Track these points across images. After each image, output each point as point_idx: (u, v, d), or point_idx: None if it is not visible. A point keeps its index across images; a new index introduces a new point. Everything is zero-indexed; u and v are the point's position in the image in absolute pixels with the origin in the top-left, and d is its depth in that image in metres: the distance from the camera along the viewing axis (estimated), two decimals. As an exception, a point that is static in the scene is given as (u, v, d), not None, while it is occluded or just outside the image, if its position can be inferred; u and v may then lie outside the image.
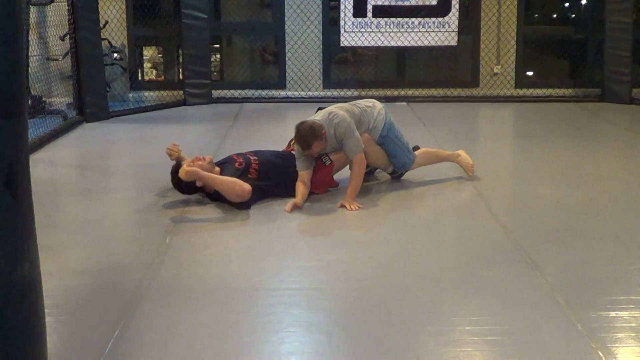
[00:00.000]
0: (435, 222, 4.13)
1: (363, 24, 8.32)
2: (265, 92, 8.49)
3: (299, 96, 8.48)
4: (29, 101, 6.81)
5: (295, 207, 4.19)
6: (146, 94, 8.44)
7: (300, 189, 4.33)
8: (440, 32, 8.31)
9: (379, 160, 4.64)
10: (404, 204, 4.38)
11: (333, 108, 4.45)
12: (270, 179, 4.37)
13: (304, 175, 4.37)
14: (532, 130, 6.84)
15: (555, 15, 9.43)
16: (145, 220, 4.10)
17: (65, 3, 6.93)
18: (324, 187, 4.52)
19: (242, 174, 4.29)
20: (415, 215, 4.22)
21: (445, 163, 4.96)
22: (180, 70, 8.50)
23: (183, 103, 8.16)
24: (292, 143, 4.64)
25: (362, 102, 4.64)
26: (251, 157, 4.46)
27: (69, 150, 6.12)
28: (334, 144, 4.38)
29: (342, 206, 4.21)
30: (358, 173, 4.31)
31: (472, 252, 3.56)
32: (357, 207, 4.20)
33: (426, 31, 8.31)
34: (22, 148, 1.71)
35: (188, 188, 4.30)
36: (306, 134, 4.22)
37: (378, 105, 4.63)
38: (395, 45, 8.46)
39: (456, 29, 8.31)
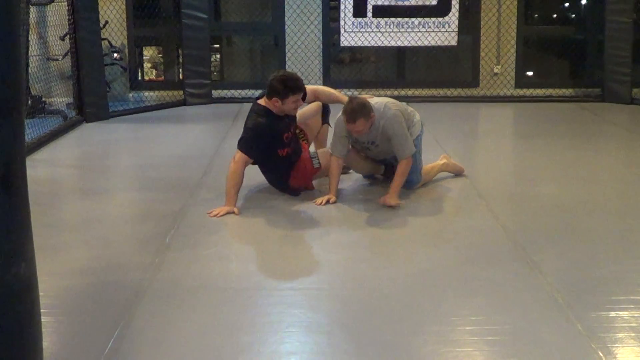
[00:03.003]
0: (435, 222, 4.13)
1: (363, 24, 8.32)
2: (265, 92, 8.48)
3: (299, 96, 8.46)
4: (29, 101, 6.81)
5: (328, 202, 4.24)
6: (146, 94, 8.44)
7: (334, 182, 4.32)
8: (440, 32, 8.31)
9: (368, 168, 4.67)
10: (404, 203, 4.37)
11: (388, 102, 4.33)
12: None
13: (337, 162, 4.33)
14: (532, 130, 6.84)
15: (555, 15, 9.43)
16: (145, 220, 4.10)
17: (65, 3, 6.93)
18: (301, 183, 4.48)
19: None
20: (415, 215, 4.22)
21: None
22: (180, 70, 8.50)
23: (183, 103, 8.15)
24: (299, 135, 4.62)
25: (408, 106, 4.56)
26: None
27: (69, 150, 6.12)
28: (377, 136, 4.28)
29: (385, 204, 4.18)
30: (403, 173, 4.25)
31: (472, 252, 3.56)
32: (397, 203, 4.19)
33: (426, 31, 8.31)
34: (18, 147, 1.70)
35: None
36: (355, 108, 4.08)
37: (417, 114, 4.59)
38: (395, 45, 8.46)
39: (456, 29, 8.30)
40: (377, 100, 4.36)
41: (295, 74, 4.38)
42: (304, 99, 4.37)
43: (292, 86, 4.19)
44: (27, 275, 1.74)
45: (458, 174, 4.93)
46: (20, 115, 1.69)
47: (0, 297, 1.67)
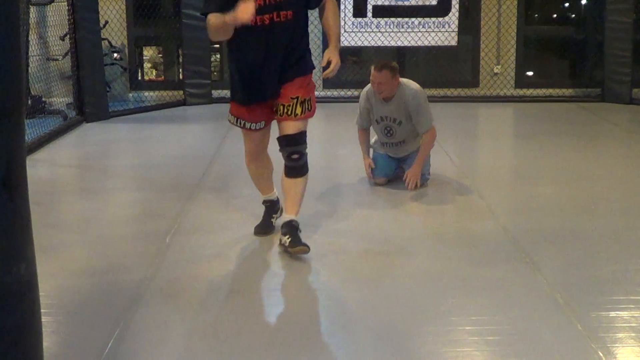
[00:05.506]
0: (435, 222, 4.13)
1: (363, 24, 8.32)
2: (265, 92, 8.47)
3: (299, 96, 8.46)
4: (29, 101, 6.81)
5: (370, 167, 4.69)
6: (146, 94, 8.44)
7: (364, 148, 4.76)
8: (440, 32, 8.31)
9: None
10: (404, 203, 4.38)
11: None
12: None
13: (363, 132, 4.76)
14: (532, 130, 6.84)
15: (555, 15, 9.43)
16: (145, 220, 4.10)
17: (65, 3, 6.94)
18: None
19: None
20: (415, 215, 4.22)
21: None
22: (180, 70, 8.50)
23: (183, 103, 8.16)
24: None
25: None
26: None
27: (69, 150, 6.12)
28: (401, 110, 4.53)
29: (409, 179, 4.51)
30: (429, 143, 4.59)
31: (472, 252, 3.55)
32: (418, 185, 4.54)
33: (426, 31, 8.31)
34: (19, 148, 1.69)
35: None
36: (386, 62, 4.56)
37: None
38: (395, 45, 8.46)
39: (456, 29, 8.31)
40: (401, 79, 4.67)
41: None
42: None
43: None
44: (27, 276, 1.73)
45: None
46: (20, 115, 1.68)
47: (0, 298, 1.66)
